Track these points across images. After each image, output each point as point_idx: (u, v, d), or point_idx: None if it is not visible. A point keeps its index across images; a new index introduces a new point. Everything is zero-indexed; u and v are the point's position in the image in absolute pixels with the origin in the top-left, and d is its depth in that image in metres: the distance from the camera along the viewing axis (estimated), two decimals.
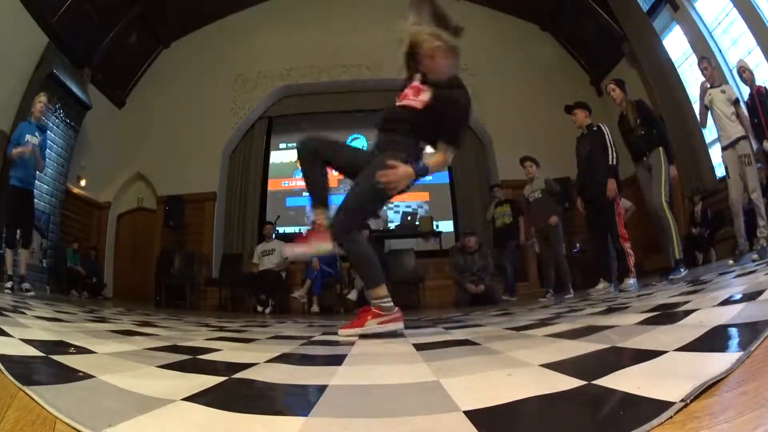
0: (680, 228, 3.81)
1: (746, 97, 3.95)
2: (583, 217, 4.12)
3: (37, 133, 3.99)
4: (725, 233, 5.30)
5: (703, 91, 3.75)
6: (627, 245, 3.66)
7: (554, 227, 4.45)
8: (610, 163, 3.68)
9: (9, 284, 3.65)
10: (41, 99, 4.07)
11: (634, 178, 6.99)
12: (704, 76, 3.87)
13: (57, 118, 6.28)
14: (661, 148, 3.48)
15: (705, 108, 3.81)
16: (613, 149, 3.71)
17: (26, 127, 3.96)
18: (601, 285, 3.66)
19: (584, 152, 3.86)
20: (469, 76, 8.27)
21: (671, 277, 3.29)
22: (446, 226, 7.81)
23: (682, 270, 3.37)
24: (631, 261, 3.60)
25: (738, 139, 3.59)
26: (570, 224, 6.90)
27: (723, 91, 3.71)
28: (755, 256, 3.31)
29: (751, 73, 3.77)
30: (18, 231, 3.90)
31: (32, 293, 3.68)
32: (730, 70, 5.60)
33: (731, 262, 3.67)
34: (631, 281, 3.53)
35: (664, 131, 3.57)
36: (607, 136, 3.78)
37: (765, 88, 3.70)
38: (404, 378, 0.86)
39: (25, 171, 3.87)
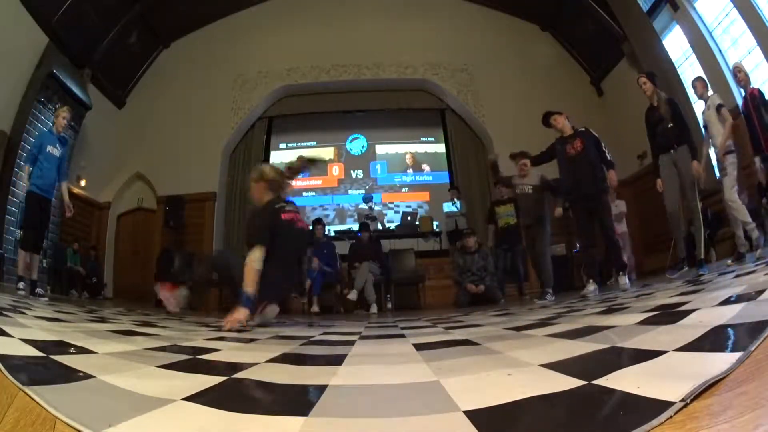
0: (681, 228, 3.82)
1: (740, 99, 3.98)
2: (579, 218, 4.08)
3: (58, 145, 4.01)
4: (725, 233, 5.30)
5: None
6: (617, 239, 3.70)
7: (542, 227, 4.37)
8: (609, 158, 3.74)
9: (21, 285, 3.67)
10: (64, 114, 4.06)
11: (635, 178, 6.97)
12: (695, 94, 3.96)
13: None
14: (687, 146, 3.50)
15: (704, 128, 3.91)
16: (606, 148, 3.77)
17: (48, 137, 3.98)
18: (592, 287, 3.65)
19: (573, 152, 3.83)
20: (469, 76, 8.31)
21: (700, 273, 3.27)
22: None
23: (706, 269, 3.36)
24: (624, 255, 3.62)
25: (725, 154, 3.67)
26: (570, 224, 6.90)
27: (709, 107, 3.77)
28: (759, 252, 3.34)
29: (746, 75, 3.77)
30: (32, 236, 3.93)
31: (46, 298, 3.68)
32: (731, 70, 5.60)
33: (729, 261, 3.68)
34: (626, 280, 3.55)
35: (690, 132, 3.59)
36: (599, 137, 3.82)
37: (758, 90, 3.69)
38: (404, 378, 0.86)
39: (44, 180, 3.90)
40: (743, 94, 3.79)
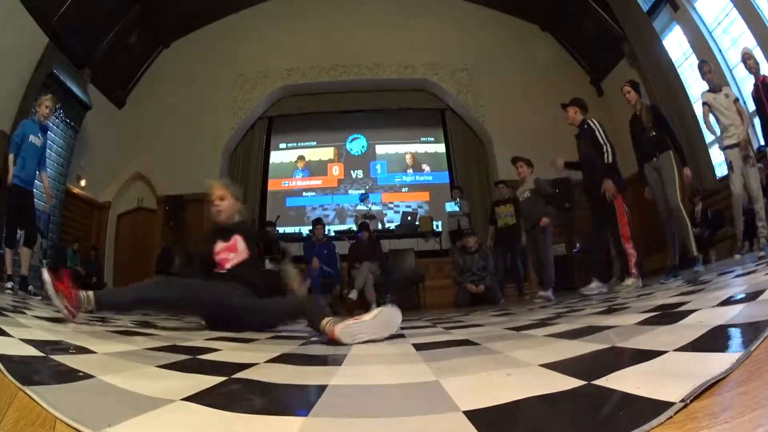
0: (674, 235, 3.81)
1: (746, 89, 3.93)
2: (585, 217, 4.10)
3: (40, 134, 3.96)
4: (725, 233, 5.30)
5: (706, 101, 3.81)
6: (629, 246, 3.65)
7: (543, 228, 4.38)
8: (606, 161, 3.63)
9: (9, 284, 3.60)
10: (48, 103, 4.02)
11: (634, 179, 6.98)
12: (706, 80, 3.86)
13: (57, 118, 6.28)
14: (671, 152, 3.49)
15: (706, 106, 3.81)
16: (607, 146, 3.65)
17: (30, 126, 3.92)
18: (594, 284, 3.64)
19: (583, 151, 3.84)
20: (469, 76, 8.31)
21: (696, 269, 3.26)
22: None
23: (700, 266, 3.33)
24: (632, 261, 3.59)
25: (742, 141, 3.63)
26: (570, 224, 6.90)
27: (726, 95, 3.71)
28: (762, 254, 3.33)
29: (756, 62, 3.72)
30: (20, 231, 3.88)
31: (39, 297, 3.64)
32: (730, 70, 5.60)
33: (738, 256, 3.65)
34: (630, 281, 3.53)
35: (675, 136, 3.58)
36: (597, 132, 3.72)
37: None
38: (404, 378, 0.86)
39: (27, 171, 3.83)
40: (754, 80, 3.74)
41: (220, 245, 2.11)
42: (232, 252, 2.09)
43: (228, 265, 2.07)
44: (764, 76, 3.65)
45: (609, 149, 3.65)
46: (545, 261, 4.33)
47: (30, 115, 5.64)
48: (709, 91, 3.85)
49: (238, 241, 2.12)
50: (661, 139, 3.52)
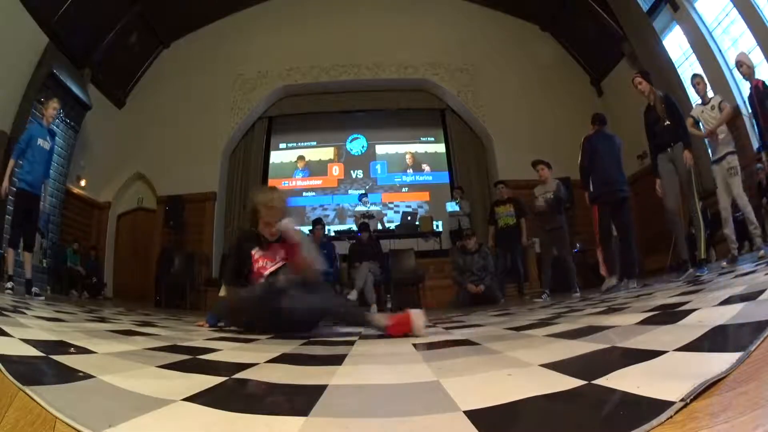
0: (681, 227, 3.81)
1: (745, 92, 3.94)
2: (584, 216, 4.18)
3: (48, 138, 3.97)
4: (724, 234, 5.29)
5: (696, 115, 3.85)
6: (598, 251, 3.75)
7: (561, 229, 4.48)
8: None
9: (9, 284, 3.61)
10: (54, 105, 4.04)
11: (635, 179, 7.01)
12: (696, 92, 3.90)
13: (57, 118, 6.27)
14: (683, 143, 3.48)
15: (693, 120, 3.84)
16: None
17: (38, 130, 3.93)
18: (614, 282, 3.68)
19: None
20: (469, 76, 8.31)
21: (697, 274, 3.24)
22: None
23: (705, 270, 3.31)
24: (600, 265, 3.68)
25: (726, 154, 3.64)
26: (570, 224, 6.90)
27: (713, 107, 3.73)
28: (762, 253, 3.32)
29: (749, 68, 3.72)
30: (23, 234, 3.90)
31: (42, 297, 3.65)
32: (730, 71, 5.59)
33: (724, 263, 3.66)
34: (606, 281, 3.62)
35: (686, 125, 3.59)
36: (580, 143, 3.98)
37: (763, 82, 3.65)
38: (404, 378, 0.86)
39: (34, 175, 3.85)
40: (749, 86, 3.74)
41: (259, 253, 2.14)
42: (270, 261, 2.12)
43: (266, 273, 2.10)
44: (758, 81, 3.66)
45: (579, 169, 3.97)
46: (568, 264, 4.43)
47: (31, 116, 5.69)
48: (701, 104, 3.88)
49: (277, 250, 2.15)
50: (676, 129, 3.50)
